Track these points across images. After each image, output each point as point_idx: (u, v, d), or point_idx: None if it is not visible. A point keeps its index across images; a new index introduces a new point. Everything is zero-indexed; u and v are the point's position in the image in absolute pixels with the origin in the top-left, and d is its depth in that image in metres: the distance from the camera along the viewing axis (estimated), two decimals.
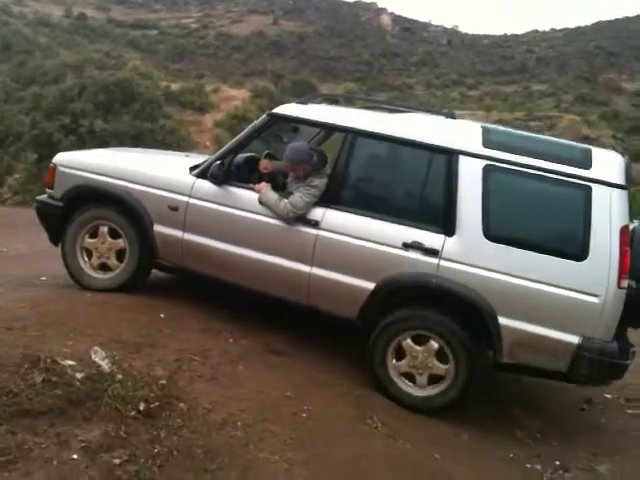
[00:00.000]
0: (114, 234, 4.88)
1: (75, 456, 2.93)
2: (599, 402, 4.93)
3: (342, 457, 3.48)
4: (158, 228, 4.75)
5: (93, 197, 4.90)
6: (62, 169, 5.03)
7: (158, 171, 4.89)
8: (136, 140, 14.98)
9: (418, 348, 4.22)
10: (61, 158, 5.15)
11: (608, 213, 3.98)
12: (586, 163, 4.11)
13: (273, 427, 3.58)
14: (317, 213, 4.42)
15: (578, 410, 4.69)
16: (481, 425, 4.23)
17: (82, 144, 16.37)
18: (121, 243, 4.86)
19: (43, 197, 5.17)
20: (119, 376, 3.45)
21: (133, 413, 3.27)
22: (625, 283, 3.96)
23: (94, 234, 4.92)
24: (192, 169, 4.82)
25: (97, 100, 16.60)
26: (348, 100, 5.48)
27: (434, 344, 4.18)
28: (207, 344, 4.25)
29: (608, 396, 4.96)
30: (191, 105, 39.99)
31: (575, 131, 47.24)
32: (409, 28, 76.64)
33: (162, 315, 4.50)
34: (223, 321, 4.71)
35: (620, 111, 56.25)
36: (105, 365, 3.48)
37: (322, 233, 4.38)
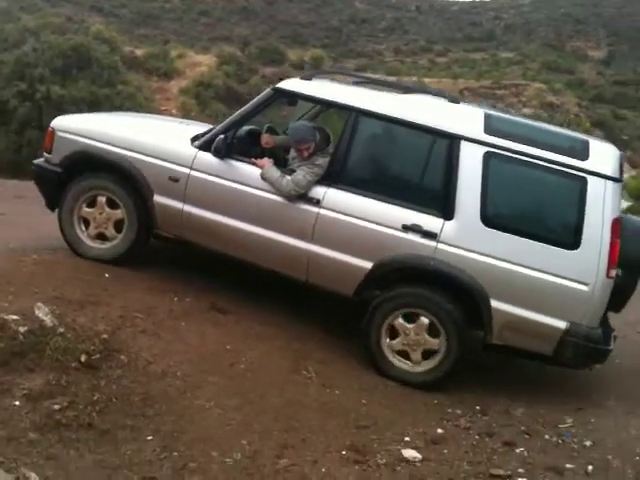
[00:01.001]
0: (112, 204, 4.82)
1: (17, 403, 3.13)
2: None
3: (274, 403, 3.74)
4: (158, 198, 4.72)
5: (92, 164, 4.84)
6: (61, 134, 4.93)
7: (160, 141, 4.83)
8: (93, 106, 14.85)
9: (409, 326, 4.34)
10: (60, 122, 5.05)
11: (602, 205, 4.10)
12: (583, 154, 4.21)
13: (211, 377, 3.82)
14: (319, 191, 4.46)
15: (505, 361, 5.01)
16: None
17: (38, 111, 16.14)
18: (119, 214, 4.82)
19: (40, 161, 5.08)
20: (61, 330, 3.64)
21: (74, 364, 3.47)
22: (613, 273, 4.12)
23: (92, 203, 4.86)
24: (193, 140, 4.80)
25: (54, 66, 16.33)
26: (351, 77, 5.44)
27: (424, 320, 4.30)
28: (152, 302, 4.45)
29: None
30: (156, 71, 39.34)
31: (541, 99, 47.59)
32: None
33: (107, 275, 4.67)
34: (169, 281, 4.89)
35: (585, 79, 56.78)
36: (48, 320, 3.66)
37: (323, 211, 4.43)
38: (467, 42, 63.28)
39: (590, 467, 3.48)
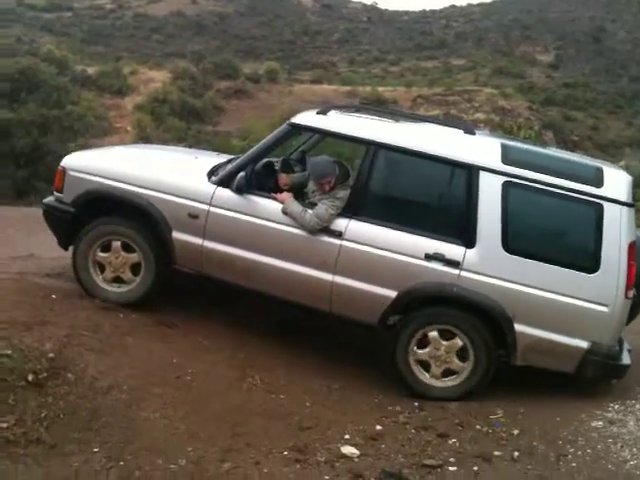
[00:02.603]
0: (128, 248, 4.82)
1: None
2: None
3: (219, 410, 3.91)
4: (177, 235, 4.74)
5: (107, 203, 4.84)
6: (73, 173, 4.90)
7: (177, 178, 4.85)
8: (43, 129, 14.77)
9: (444, 342, 4.46)
10: (71, 161, 5.03)
11: (618, 229, 4.28)
12: (598, 181, 4.39)
13: (156, 389, 3.97)
14: (341, 224, 4.54)
15: None
16: (353, 376, 4.71)
17: None
18: (135, 257, 4.82)
19: (50, 200, 5.04)
20: (8, 351, 3.74)
21: (22, 383, 3.58)
22: (631, 294, 4.34)
23: (107, 247, 4.84)
24: (209, 174, 4.87)
25: (1, 89, 16.19)
26: (367, 110, 5.40)
27: (459, 342, 4.43)
28: (98, 320, 4.55)
29: None
30: (110, 89, 39.12)
31: (492, 104, 48.61)
32: (329, 5, 76.74)
33: (54, 296, 4.78)
34: None
35: (535, 83, 58.20)
36: None
37: (345, 243, 4.51)
38: (419, 51, 64.41)
39: (516, 453, 3.71)
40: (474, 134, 4.84)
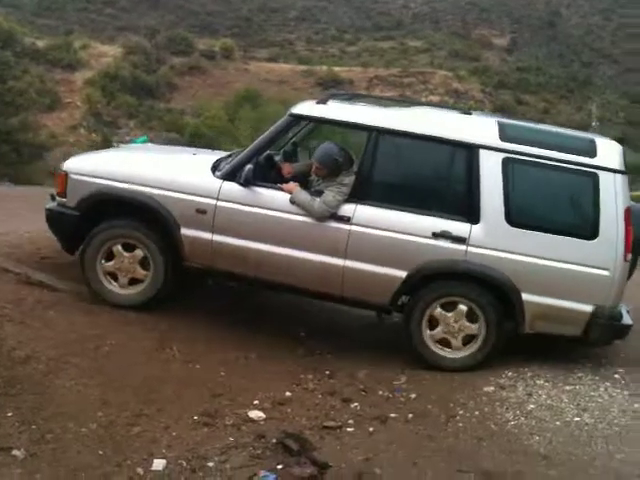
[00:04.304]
0: (128, 247, 4.88)
1: None
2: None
3: (134, 379, 4.10)
4: (185, 231, 4.81)
5: (113, 204, 4.91)
6: (75, 176, 4.93)
7: (182, 175, 4.92)
8: None
9: (449, 314, 4.68)
10: (73, 165, 5.07)
11: (614, 196, 4.52)
12: (592, 152, 4.62)
13: (74, 359, 4.15)
14: (348, 209, 4.67)
15: (359, 330, 5.57)
16: (269, 346, 4.94)
17: None
18: (140, 253, 4.88)
19: (53, 205, 5.04)
20: None
21: None
22: (629, 257, 4.60)
23: (109, 256, 4.91)
24: (213, 170, 4.94)
25: None
26: (363, 98, 5.56)
27: (462, 307, 4.65)
28: (21, 294, 4.70)
29: (396, 319, 5.81)
30: (60, 63, 38.24)
31: (447, 86, 49.11)
32: None
33: None
34: (40, 274, 5.13)
35: (490, 66, 58.93)
36: None
37: (354, 228, 4.66)
38: (376, 31, 64.45)
39: (410, 415, 4.01)
40: (470, 114, 5.06)
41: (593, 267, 4.58)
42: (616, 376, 4.61)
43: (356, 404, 4.17)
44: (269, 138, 4.94)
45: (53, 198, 5.13)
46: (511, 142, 4.65)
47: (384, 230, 4.65)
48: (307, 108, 4.99)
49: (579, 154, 4.63)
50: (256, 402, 4.10)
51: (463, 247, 4.60)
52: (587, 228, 4.60)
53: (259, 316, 5.49)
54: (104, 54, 41.32)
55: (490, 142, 4.66)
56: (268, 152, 5.13)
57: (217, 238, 4.80)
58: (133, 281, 4.96)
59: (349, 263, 4.69)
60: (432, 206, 4.71)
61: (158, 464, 3.30)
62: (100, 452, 3.35)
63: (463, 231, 4.61)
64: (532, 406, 4.11)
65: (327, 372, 4.68)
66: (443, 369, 4.67)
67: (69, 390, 3.83)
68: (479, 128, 4.83)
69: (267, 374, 4.55)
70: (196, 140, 21.60)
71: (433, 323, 4.74)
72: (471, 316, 4.67)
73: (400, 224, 4.64)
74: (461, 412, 4.04)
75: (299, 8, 68.63)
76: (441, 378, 4.56)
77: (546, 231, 4.60)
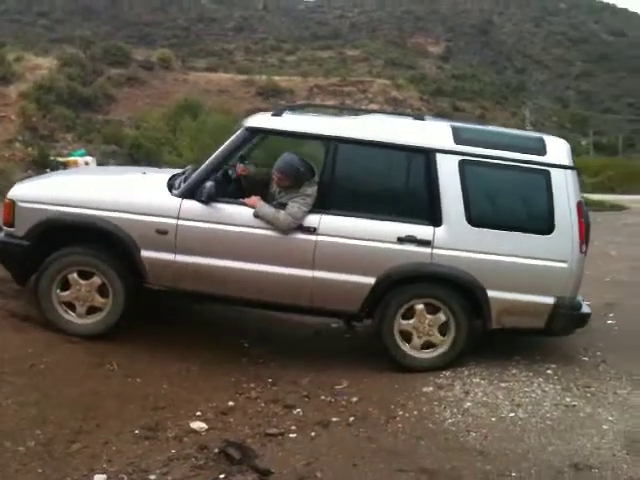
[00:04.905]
0: (84, 275, 4.71)
1: None
2: (344, 330, 5.81)
3: (72, 395, 4.06)
4: (146, 254, 4.68)
5: (65, 231, 4.71)
6: (23, 204, 4.73)
7: (139, 196, 4.79)
8: None
9: (428, 316, 4.76)
10: (19, 193, 4.86)
11: (566, 191, 4.72)
12: (542, 150, 4.80)
13: (10, 378, 4.07)
14: (313, 220, 4.68)
15: (302, 339, 5.62)
16: (212, 358, 4.94)
17: None
18: (98, 280, 4.70)
19: (0, 236, 4.82)
20: None
21: None
22: (584, 248, 4.78)
23: (65, 285, 4.72)
24: (169, 187, 4.85)
25: None
26: (316, 109, 5.50)
27: (442, 317, 4.75)
28: None
29: (334, 325, 5.91)
30: None
31: (385, 94, 49.81)
32: None
33: None
34: None
35: (426, 74, 60.08)
36: None
37: (320, 238, 4.66)
38: (314, 40, 64.90)
39: (352, 418, 4.08)
40: (424, 119, 5.15)
41: (552, 260, 4.76)
42: (549, 372, 4.77)
43: (299, 410, 4.22)
44: (226, 153, 4.89)
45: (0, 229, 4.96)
46: (465, 145, 4.79)
47: (350, 238, 4.69)
48: (263, 121, 4.99)
49: (530, 153, 4.81)
50: (199, 413, 4.11)
51: (428, 250, 4.70)
52: (543, 223, 4.78)
53: (201, 329, 5.49)
54: (39, 66, 40.27)
55: (445, 145, 4.78)
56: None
57: (180, 258, 4.71)
58: (92, 310, 4.80)
59: (317, 273, 4.70)
60: (395, 212, 4.79)
61: (99, 479, 3.28)
62: (39, 470, 3.31)
63: (427, 234, 4.71)
64: (469, 404, 4.24)
65: (270, 380, 4.72)
66: (412, 370, 4.77)
67: (5, 409, 3.76)
68: (434, 132, 4.93)
69: (210, 385, 4.56)
70: (135, 151, 21.25)
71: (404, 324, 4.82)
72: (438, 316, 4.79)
73: (365, 231, 4.70)
74: (401, 413, 4.13)
75: (237, 18, 68.57)
76: (382, 381, 4.65)
77: (505, 229, 4.76)
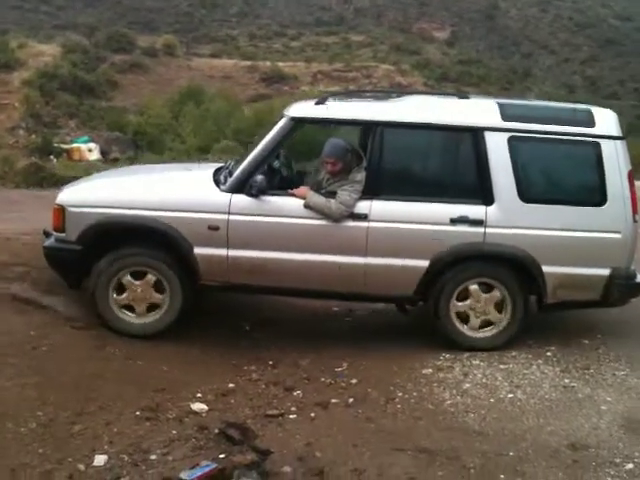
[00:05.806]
0: (138, 275, 4.73)
1: None
2: (345, 313, 5.88)
3: (74, 378, 4.09)
4: (199, 250, 4.68)
5: (118, 233, 4.74)
6: (73, 209, 4.72)
7: (187, 194, 4.82)
8: None
9: (483, 295, 4.78)
10: (68, 198, 4.84)
11: (617, 162, 4.71)
12: (590, 122, 4.78)
13: (12, 360, 4.10)
14: (364, 206, 4.66)
15: (300, 322, 5.64)
16: (212, 340, 4.98)
17: None
18: (152, 278, 4.73)
19: (51, 242, 4.82)
20: None
21: None
22: (637, 218, 4.78)
23: (121, 288, 4.75)
24: (216, 183, 4.84)
25: None
26: (358, 94, 5.42)
27: (497, 294, 4.77)
28: None
29: (335, 309, 5.94)
30: None
31: (390, 80, 49.52)
32: None
33: None
34: None
35: (431, 59, 59.68)
36: None
37: (373, 224, 4.65)
38: (318, 26, 64.51)
39: (351, 399, 4.11)
40: (469, 98, 5.13)
41: (605, 232, 4.76)
42: (548, 354, 4.78)
43: (299, 392, 4.25)
44: (271, 145, 4.82)
45: (47, 235, 4.96)
46: (513, 121, 4.77)
47: (402, 222, 4.68)
48: (309, 110, 4.92)
49: (579, 125, 4.79)
50: (199, 395, 4.14)
51: (481, 229, 4.70)
52: (595, 195, 4.77)
53: (202, 312, 5.50)
54: (42, 53, 40.19)
55: (494, 123, 4.76)
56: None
57: (233, 253, 4.71)
58: (151, 308, 4.82)
59: (370, 260, 4.70)
60: (446, 193, 4.78)
61: (99, 460, 3.31)
62: (40, 451, 3.33)
63: (480, 214, 4.70)
64: (468, 385, 4.26)
65: (271, 362, 4.74)
66: (472, 350, 4.76)
67: (7, 390, 3.79)
68: (480, 110, 4.92)
69: (211, 367, 4.59)
70: (139, 138, 21.24)
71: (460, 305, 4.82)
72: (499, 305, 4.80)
73: (417, 214, 4.69)
74: (400, 394, 4.16)
75: (240, 4, 68.14)
76: (382, 363, 4.67)
77: (557, 203, 4.76)
